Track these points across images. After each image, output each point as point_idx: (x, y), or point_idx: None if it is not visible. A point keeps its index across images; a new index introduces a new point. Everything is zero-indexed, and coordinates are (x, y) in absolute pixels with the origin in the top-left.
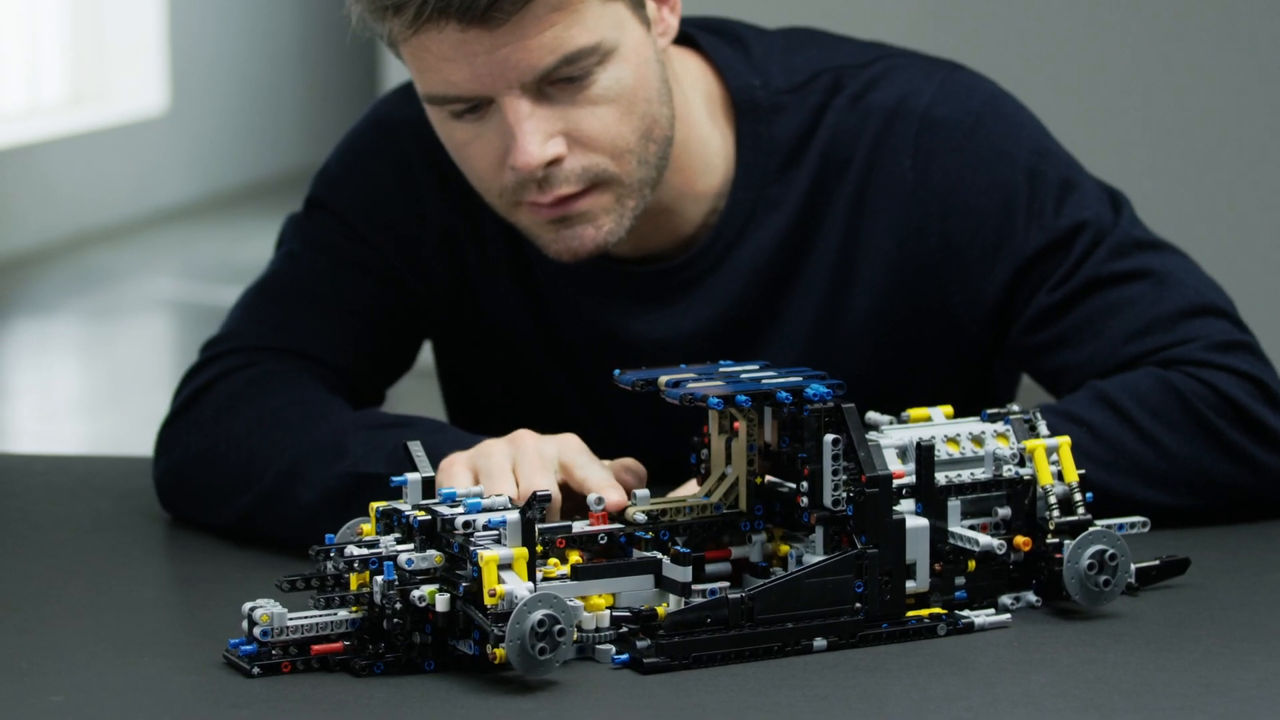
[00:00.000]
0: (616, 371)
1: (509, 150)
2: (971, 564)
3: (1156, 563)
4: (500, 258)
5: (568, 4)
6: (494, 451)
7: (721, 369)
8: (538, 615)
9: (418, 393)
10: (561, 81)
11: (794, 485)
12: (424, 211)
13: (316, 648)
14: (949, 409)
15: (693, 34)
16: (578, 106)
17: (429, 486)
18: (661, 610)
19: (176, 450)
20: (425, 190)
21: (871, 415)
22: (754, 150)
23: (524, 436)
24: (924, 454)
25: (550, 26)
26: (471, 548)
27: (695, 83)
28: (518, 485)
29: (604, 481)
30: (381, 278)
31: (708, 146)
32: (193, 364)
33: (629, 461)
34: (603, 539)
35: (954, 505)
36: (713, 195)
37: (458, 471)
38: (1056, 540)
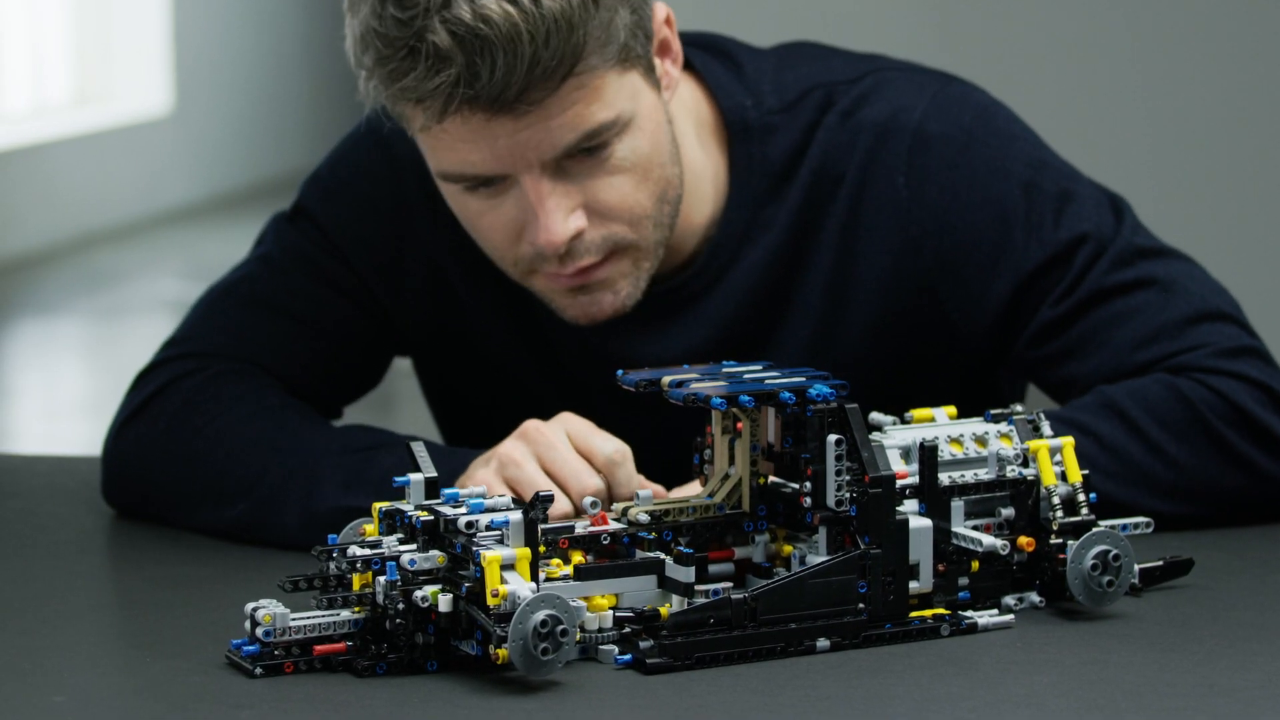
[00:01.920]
0: (620, 372)
1: (528, 225)
2: (975, 564)
3: (1160, 563)
4: (490, 280)
5: (590, 83)
6: (520, 459)
7: (725, 369)
8: (540, 616)
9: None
10: (579, 154)
11: (797, 485)
12: (412, 235)
13: (319, 648)
14: (952, 410)
15: (685, 52)
16: (595, 178)
17: (432, 487)
18: (664, 611)
19: (129, 457)
20: (417, 213)
21: (875, 416)
22: (747, 172)
23: (538, 432)
24: (927, 454)
25: (573, 105)
26: (474, 548)
27: (687, 108)
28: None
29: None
30: (355, 300)
31: (701, 178)
32: (147, 364)
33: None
34: (606, 539)
35: (957, 506)
36: (706, 219)
37: (496, 490)
38: (1060, 541)
